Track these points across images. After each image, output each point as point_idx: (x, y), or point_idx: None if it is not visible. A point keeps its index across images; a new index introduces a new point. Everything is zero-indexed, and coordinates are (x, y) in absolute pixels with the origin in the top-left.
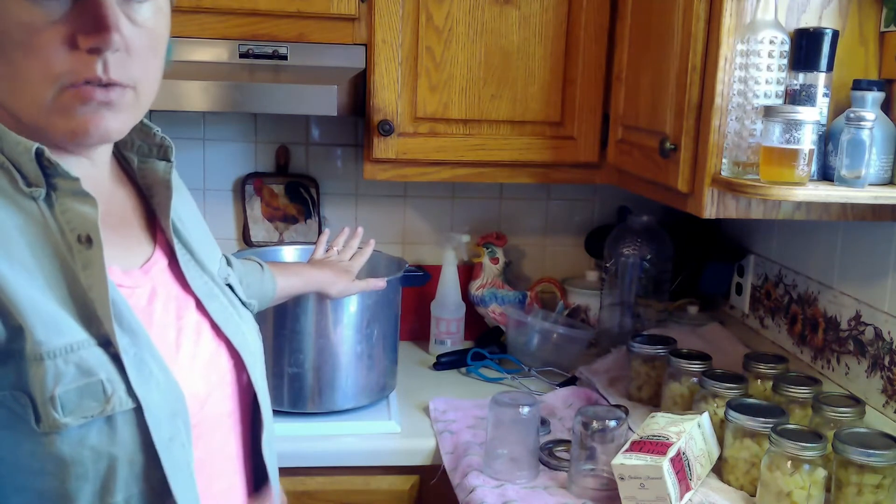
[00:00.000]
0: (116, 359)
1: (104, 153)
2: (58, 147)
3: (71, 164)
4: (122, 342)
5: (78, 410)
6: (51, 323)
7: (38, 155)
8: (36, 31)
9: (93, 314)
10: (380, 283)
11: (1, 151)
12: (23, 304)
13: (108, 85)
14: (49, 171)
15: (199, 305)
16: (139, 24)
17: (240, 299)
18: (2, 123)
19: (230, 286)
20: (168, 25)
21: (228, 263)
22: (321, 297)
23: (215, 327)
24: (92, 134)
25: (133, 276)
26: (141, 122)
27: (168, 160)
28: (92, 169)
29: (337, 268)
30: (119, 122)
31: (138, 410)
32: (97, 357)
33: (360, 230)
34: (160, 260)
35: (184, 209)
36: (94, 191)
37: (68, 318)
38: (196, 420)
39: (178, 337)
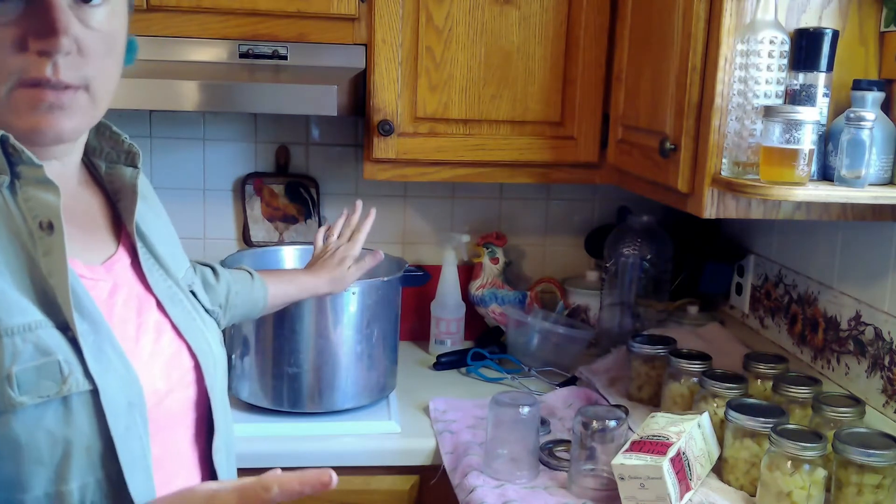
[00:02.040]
0: (75, 343)
1: (73, 156)
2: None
3: (40, 160)
4: (80, 328)
5: (34, 390)
6: (11, 303)
7: (3, 142)
8: None
9: (52, 300)
10: (378, 256)
11: None
12: None
13: (59, 87)
14: (13, 160)
15: (161, 307)
16: (93, 27)
17: (204, 307)
18: None
19: (194, 293)
20: (125, 25)
21: (214, 272)
22: (321, 309)
23: (177, 329)
24: (46, 133)
25: (95, 270)
26: (110, 128)
27: (135, 167)
28: (60, 170)
29: (332, 270)
30: (73, 122)
31: (95, 394)
32: (55, 338)
33: (359, 203)
34: (123, 258)
35: (152, 217)
36: (60, 188)
37: (27, 302)
38: (154, 416)
39: (137, 332)
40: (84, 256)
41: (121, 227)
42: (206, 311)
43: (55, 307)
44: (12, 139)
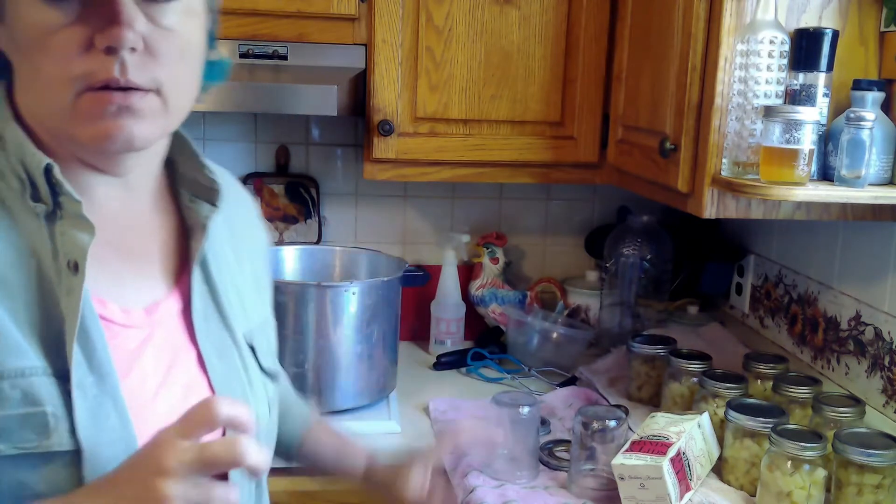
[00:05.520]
0: (70, 396)
1: (143, 178)
2: (91, 166)
3: (100, 185)
4: (85, 380)
5: (13, 439)
6: (11, 344)
7: (47, 171)
8: (51, 33)
9: (61, 344)
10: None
11: (21, 163)
12: None
13: (127, 89)
14: (57, 190)
15: (201, 361)
16: (163, 26)
17: (259, 365)
18: (37, 134)
19: (252, 349)
20: (203, 28)
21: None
22: (321, 309)
23: (213, 389)
24: (115, 139)
25: (132, 315)
26: (197, 157)
27: (213, 204)
28: (125, 192)
29: (396, 491)
30: (144, 129)
31: (77, 455)
32: (48, 388)
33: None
34: (173, 303)
35: (233, 258)
36: (118, 216)
37: (31, 342)
38: None
39: (157, 389)
40: (124, 297)
41: (187, 265)
42: (264, 370)
43: (62, 353)
44: (56, 170)
